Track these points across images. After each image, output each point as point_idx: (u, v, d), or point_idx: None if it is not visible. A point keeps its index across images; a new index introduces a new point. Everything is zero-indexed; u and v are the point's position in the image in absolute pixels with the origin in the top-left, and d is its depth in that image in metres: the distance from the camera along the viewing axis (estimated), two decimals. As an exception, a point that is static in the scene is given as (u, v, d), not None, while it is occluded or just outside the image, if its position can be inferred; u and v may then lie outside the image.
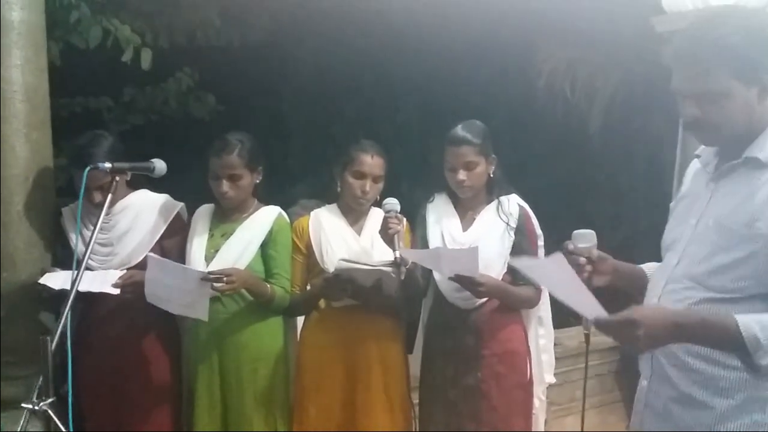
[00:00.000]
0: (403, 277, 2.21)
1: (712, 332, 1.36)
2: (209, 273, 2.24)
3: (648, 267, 1.71)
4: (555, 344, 2.60)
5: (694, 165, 1.65)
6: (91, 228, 2.10)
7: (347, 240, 2.41)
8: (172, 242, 2.46)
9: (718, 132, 1.46)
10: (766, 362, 1.30)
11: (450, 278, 2.22)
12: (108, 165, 2.07)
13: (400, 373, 2.42)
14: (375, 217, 2.44)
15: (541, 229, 2.46)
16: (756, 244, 1.38)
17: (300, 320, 2.57)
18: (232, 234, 2.41)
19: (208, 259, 2.36)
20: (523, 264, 1.81)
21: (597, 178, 5.49)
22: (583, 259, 1.62)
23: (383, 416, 2.36)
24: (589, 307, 1.39)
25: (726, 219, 1.43)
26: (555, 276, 1.46)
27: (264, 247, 2.42)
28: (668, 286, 1.50)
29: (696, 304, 1.44)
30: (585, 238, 1.66)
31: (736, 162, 1.46)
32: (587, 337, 1.78)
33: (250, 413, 2.37)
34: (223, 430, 2.39)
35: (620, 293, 1.67)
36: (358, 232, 2.43)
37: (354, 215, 2.46)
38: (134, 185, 2.46)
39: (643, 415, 1.59)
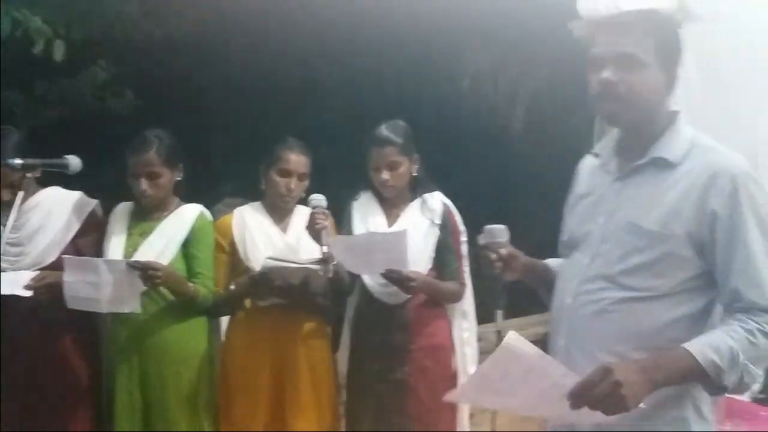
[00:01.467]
0: (330, 275, 2.21)
1: (677, 372, 1.33)
2: (136, 262, 2.18)
3: (552, 263, 1.71)
4: (478, 339, 2.65)
5: (589, 163, 1.65)
6: (1, 227, 2.01)
7: (272, 238, 2.38)
8: (87, 241, 2.37)
9: (627, 105, 1.44)
10: (731, 381, 1.30)
11: (382, 275, 2.23)
12: (19, 161, 1.99)
13: (327, 370, 2.42)
14: (300, 214, 2.42)
15: (466, 226, 2.50)
16: (670, 244, 1.39)
17: (225, 320, 2.53)
18: (151, 233, 2.34)
19: (127, 258, 2.29)
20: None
21: (521, 176, 5.64)
22: (494, 255, 1.60)
23: (311, 415, 2.35)
24: (562, 377, 1.30)
25: (639, 219, 1.43)
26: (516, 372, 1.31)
27: (186, 246, 2.37)
28: (582, 286, 1.49)
29: (613, 304, 1.44)
30: (497, 234, 1.64)
31: (643, 162, 1.47)
32: (498, 333, 1.77)
33: (174, 415, 2.31)
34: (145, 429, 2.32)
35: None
36: (284, 230, 2.41)
37: (279, 213, 2.43)
38: (45, 182, 2.36)
39: None
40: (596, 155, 1.61)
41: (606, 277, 1.46)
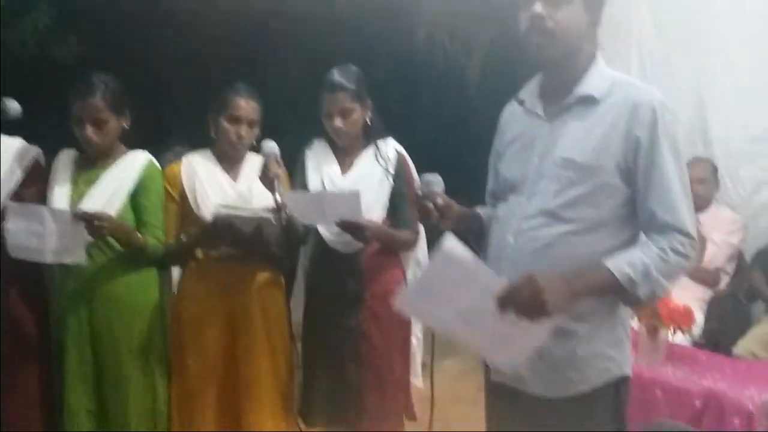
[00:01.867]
0: (284, 223, 2.19)
1: (595, 285, 1.46)
2: (81, 212, 2.12)
3: (481, 211, 1.80)
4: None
5: (511, 110, 1.75)
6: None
7: (223, 186, 2.34)
8: (31, 191, 2.29)
9: (553, 38, 1.53)
10: (644, 293, 1.44)
11: (337, 224, 2.22)
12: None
13: (281, 320, 2.41)
14: (251, 162, 2.38)
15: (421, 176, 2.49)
16: (602, 175, 1.51)
17: (177, 271, 2.49)
18: (97, 181, 2.27)
19: (73, 207, 2.22)
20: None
21: (476, 126, 5.65)
22: (431, 204, 1.66)
23: (266, 364, 2.35)
24: (492, 282, 1.38)
25: (572, 155, 1.54)
26: (449, 272, 1.38)
27: (134, 195, 2.31)
28: (523, 224, 1.57)
29: (553, 238, 1.54)
30: (433, 183, 1.69)
31: (571, 101, 1.57)
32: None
33: (126, 368, 2.29)
34: (97, 385, 2.30)
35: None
36: (234, 179, 2.37)
37: (229, 161, 2.39)
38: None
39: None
40: (521, 102, 1.71)
41: (545, 213, 1.56)
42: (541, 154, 1.59)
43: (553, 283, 1.38)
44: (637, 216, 1.54)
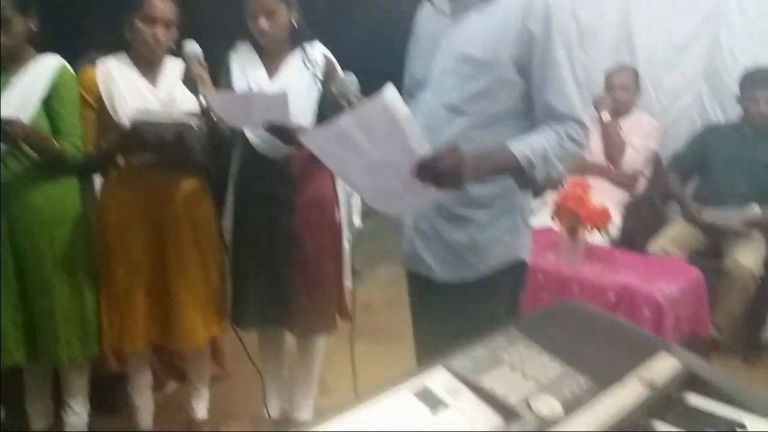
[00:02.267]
0: (208, 128, 2.14)
1: (498, 164, 1.53)
2: None
3: None
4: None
5: (424, 9, 1.80)
6: None
7: (142, 91, 2.24)
8: None
9: None
10: (541, 175, 1.53)
11: (264, 128, 2.17)
12: None
13: (210, 227, 2.40)
14: (171, 66, 2.29)
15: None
16: (500, 71, 1.59)
17: (99, 180, 2.42)
18: (6, 86, 2.15)
19: (-20, 114, 2.10)
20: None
21: (404, 31, 5.56)
22: (345, 103, 1.72)
23: (196, 272, 2.35)
24: (417, 146, 1.39)
25: (471, 50, 1.60)
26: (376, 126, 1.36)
27: (47, 102, 2.19)
28: (428, 120, 1.65)
29: (457, 132, 1.62)
30: (347, 83, 1.74)
31: None
32: None
33: (51, 279, 2.24)
34: (22, 299, 2.25)
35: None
36: (153, 84, 2.27)
37: (147, 65, 2.28)
38: None
39: (413, 237, 1.78)
40: (431, 0, 1.75)
41: (447, 107, 1.64)
42: (444, 51, 1.65)
43: (470, 158, 1.44)
44: (533, 109, 1.61)
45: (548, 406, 0.98)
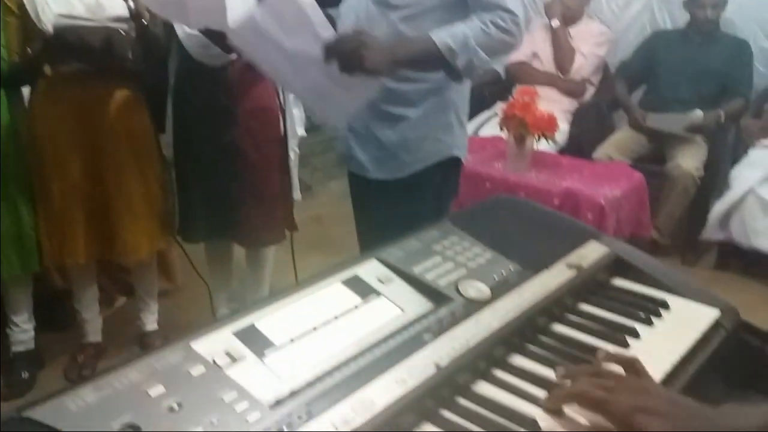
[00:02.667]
0: (137, 33, 2.03)
1: (417, 52, 1.53)
2: None
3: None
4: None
5: None
6: None
7: (65, -6, 2.11)
8: None
9: None
10: (462, 63, 1.53)
11: (201, 32, 2.07)
12: None
13: (147, 138, 2.32)
14: None
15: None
16: None
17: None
18: None
19: None
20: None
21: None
22: None
23: (135, 185, 2.29)
24: (324, 29, 1.40)
25: None
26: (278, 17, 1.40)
27: (-36, 9, 2.05)
28: (362, 17, 1.65)
29: (390, 26, 1.63)
30: None
31: None
32: None
33: (-18, 197, 2.16)
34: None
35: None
36: None
37: None
38: None
39: (348, 138, 1.81)
40: None
41: (379, 3, 1.65)
42: None
43: (378, 42, 1.44)
44: (465, 7, 1.60)
45: (476, 289, 0.99)
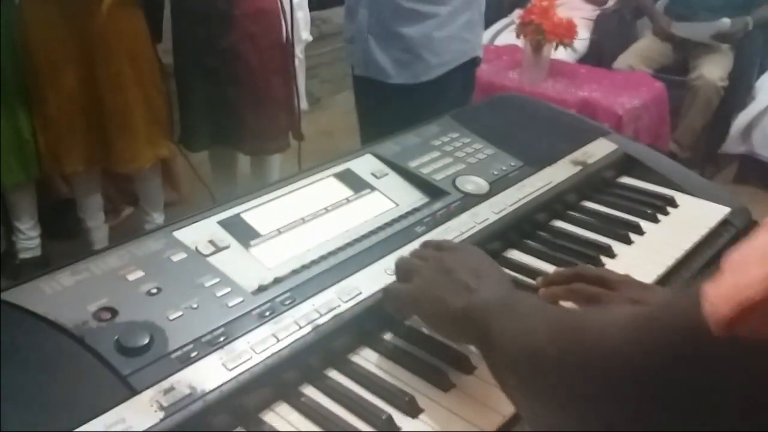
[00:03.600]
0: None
1: None
2: None
3: None
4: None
5: None
6: None
7: None
8: None
9: None
10: None
11: None
12: None
13: (143, 43, 2.22)
14: None
15: None
16: None
17: None
18: None
19: None
20: None
21: None
22: None
23: (133, 93, 2.22)
24: None
25: None
26: None
27: None
28: None
29: None
30: None
31: None
32: None
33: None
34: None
35: None
36: None
37: None
38: None
39: (367, 41, 1.70)
40: None
41: None
42: None
43: None
44: None
45: (474, 184, 0.95)
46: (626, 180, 1.10)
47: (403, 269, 0.70)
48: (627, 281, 0.72)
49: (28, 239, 2.39)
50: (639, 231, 0.95)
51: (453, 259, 0.66)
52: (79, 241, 2.55)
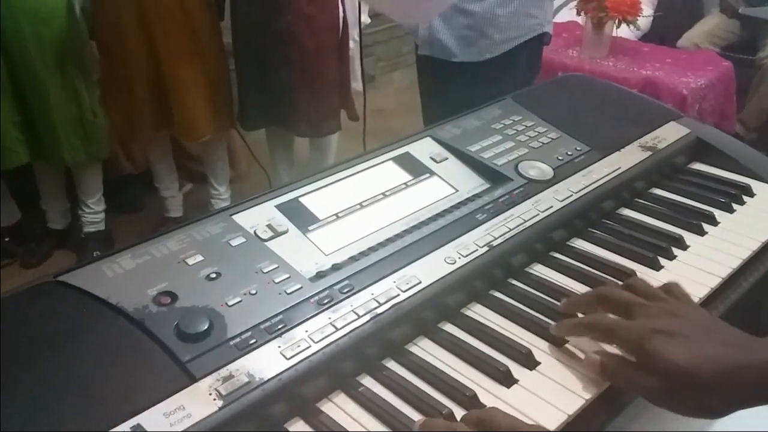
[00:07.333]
0: None
1: None
2: None
3: None
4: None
5: None
6: None
7: None
8: None
9: None
10: None
11: None
12: None
13: (207, 18, 2.27)
14: None
15: None
16: None
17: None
18: None
19: None
20: None
21: None
22: None
23: (194, 64, 2.26)
24: None
25: None
26: None
27: None
28: None
29: None
30: None
31: None
32: None
33: (43, 81, 2.17)
34: (20, 100, 2.20)
35: None
36: None
37: None
38: None
39: (431, 21, 1.65)
40: None
41: None
42: None
43: None
44: None
45: (538, 169, 0.92)
46: (698, 166, 1.05)
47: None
48: (657, 295, 0.65)
49: (94, 213, 2.47)
50: (713, 221, 0.90)
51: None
52: (140, 214, 2.63)
